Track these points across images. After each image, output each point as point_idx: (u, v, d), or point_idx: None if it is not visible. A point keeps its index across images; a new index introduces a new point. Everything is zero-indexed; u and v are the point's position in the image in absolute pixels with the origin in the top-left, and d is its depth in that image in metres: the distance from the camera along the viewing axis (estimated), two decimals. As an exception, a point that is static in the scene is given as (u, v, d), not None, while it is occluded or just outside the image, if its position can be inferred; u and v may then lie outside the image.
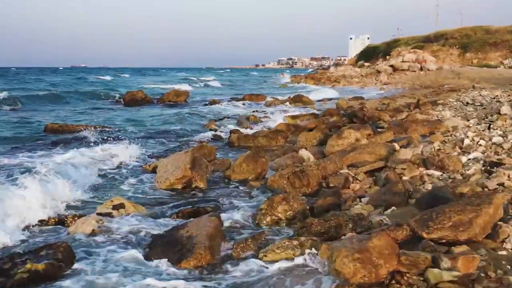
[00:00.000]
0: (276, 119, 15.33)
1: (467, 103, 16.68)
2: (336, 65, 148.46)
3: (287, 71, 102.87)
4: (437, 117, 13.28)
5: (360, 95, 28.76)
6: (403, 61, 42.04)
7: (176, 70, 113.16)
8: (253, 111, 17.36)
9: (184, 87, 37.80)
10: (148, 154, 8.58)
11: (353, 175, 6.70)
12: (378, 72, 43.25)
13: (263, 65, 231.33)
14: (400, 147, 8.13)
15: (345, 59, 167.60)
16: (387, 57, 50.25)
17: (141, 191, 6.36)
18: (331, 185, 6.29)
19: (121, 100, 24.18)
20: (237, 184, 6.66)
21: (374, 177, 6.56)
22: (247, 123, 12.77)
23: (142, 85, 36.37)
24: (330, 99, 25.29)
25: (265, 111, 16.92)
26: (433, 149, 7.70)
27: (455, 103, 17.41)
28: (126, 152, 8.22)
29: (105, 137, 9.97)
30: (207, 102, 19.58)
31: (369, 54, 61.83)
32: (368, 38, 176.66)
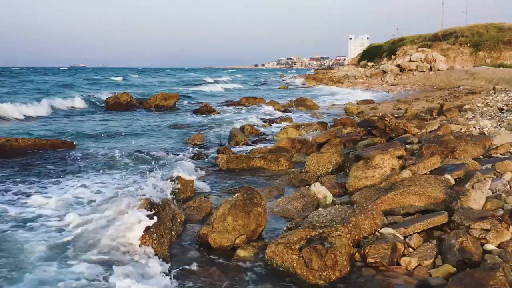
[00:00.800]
0: (278, 128, 12.89)
1: (501, 109, 14.23)
2: (337, 64, 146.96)
3: (294, 71, 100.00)
4: (475, 127, 10.84)
5: (366, 97, 26.38)
6: (410, 61, 39.60)
7: (178, 70, 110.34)
8: (250, 116, 14.92)
9: (217, 88, 35.70)
10: (95, 194, 6.02)
11: (401, 236, 4.24)
12: (384, 72, 40.84)
13: (262, 65, 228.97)
14: (455, 180, 5.68)
15: (344, 59, 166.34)
16: (393, 56, 47.84)
17: (58, 267, 3.88)
18: (370, 260, 3.83)
19: (104, 104, 21.78)
20: (217, 254, 4.20)
21: (436, 242, 4.11)
22: (242, 137, 10.30)
23: (181, 88, 33.90)
24: (336, 101, 22.86)
25: (263, 118, 14.47)
26: (508, 187, 5.25)
27: (485, 108, 14.97)
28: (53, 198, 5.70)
29: (49, 161, 7.52)
30: (198, 107, 17.11)
31: (372, 54, 59.47)
32: (368, 38, 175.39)
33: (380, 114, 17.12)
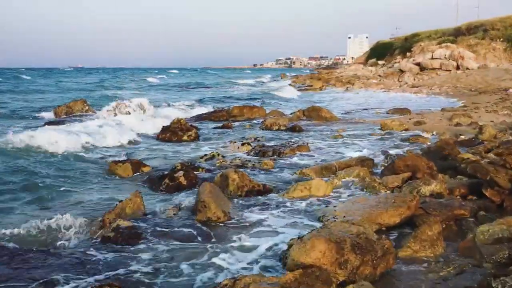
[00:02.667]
0: (289, 167, 7.58)
1: None
2: (336, 63, 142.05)
3: (307, 71, 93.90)
4: None
5: (390, 102, 21.02)
6: (432, 58, 34.27)
7: (180, 70, 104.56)
8: (244, 142, 9.54)
9: (289, 93, 27.44)
10: None
11: None
12: (402, 71, 35.50)
13: (261, 65, 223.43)
14: None
15: (344, 59, 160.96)
16: (408, 54, 42.61)
17: None
18: None
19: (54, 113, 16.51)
20: None
21: None
22: (218, 209, 4.94)
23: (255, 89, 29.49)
24: (357, 111, 17.51)
25: (264, 146, 9.08)
26: None
27: None
28: None
29: None
30: (168, 125, 11.69)
31: (381, 52, 54.28)
32: (367, 37, 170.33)
33: (435, 132, 11.80)
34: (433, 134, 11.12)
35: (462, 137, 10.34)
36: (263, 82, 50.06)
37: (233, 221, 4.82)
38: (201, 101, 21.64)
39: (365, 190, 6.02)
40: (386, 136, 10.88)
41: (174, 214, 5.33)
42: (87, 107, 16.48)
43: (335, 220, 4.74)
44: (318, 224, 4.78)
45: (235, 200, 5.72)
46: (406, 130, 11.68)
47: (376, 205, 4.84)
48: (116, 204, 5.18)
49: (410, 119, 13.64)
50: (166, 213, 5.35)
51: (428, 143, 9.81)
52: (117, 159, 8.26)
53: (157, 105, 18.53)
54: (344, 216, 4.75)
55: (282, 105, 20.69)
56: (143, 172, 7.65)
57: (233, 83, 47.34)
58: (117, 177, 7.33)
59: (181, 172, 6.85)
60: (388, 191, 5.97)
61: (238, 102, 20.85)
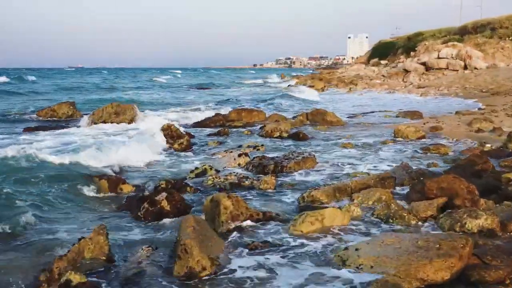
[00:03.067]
0: (291, 190, 6.39)
1: None
2: (336, 63, 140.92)
3: (311, 71, 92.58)
4: None
5: (396, 104, 19.82)
6: (438, 58, 33.05)
7: (183, 70, 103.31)
8: (241, 153, 8.31)
9: (309, 93, 25.32)
10: None
11: None
12: (406, 71, 34.29)
13: (261, 65, 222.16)
14: None
15: (344, 58, 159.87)
16: (412, 53, 41.40)
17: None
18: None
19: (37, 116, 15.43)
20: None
21: None
22: (202, 256, 3.72)
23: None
24: (364, 114, 16.30)
25: (264, 158, 7.85)
26: None
27: None
28: None
29: None
30: (156, 133, 10.47)
31: (383, 51, 53.12)
32: (367, 37, 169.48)
33: (455, 140, 10.63)
34: (453, 142, 9.92)
35: (488, 146, 9.13)
36: (272, 82, 49.27)
37: (223, 274, 3.61)
38: (220, 103, 20.65)
39: (391, 220, 4.83)
40: (401, 144, 9.69)
41: (147, 257, 4.14)
42: (72, 111, 15.31)
43: (359, 272, 3.56)
44: (337, 273, 3.60)
45: (228, 235, 4.53)
46: (423, 137, 10.48)
47: (415, 251, 3.62)
48: (72, 245, 3.98)
49: (424, 123, 12.45)
50: (137, 255, 4.16)
51: (450, 153, 8.65)
52: (93, 172, 7.07)
53: (167, 107, 17.86)
54: (372, 267, 3.55)
55: (282, 107, 19.54)
56: (121, 191, 6.47)
57: (241, 83, 46.70)
58: (90, 196, 6.16)
59: (163, 194, 5.63)
60: (419, 223, 4.78)
61: (259, 104, 19.80)
